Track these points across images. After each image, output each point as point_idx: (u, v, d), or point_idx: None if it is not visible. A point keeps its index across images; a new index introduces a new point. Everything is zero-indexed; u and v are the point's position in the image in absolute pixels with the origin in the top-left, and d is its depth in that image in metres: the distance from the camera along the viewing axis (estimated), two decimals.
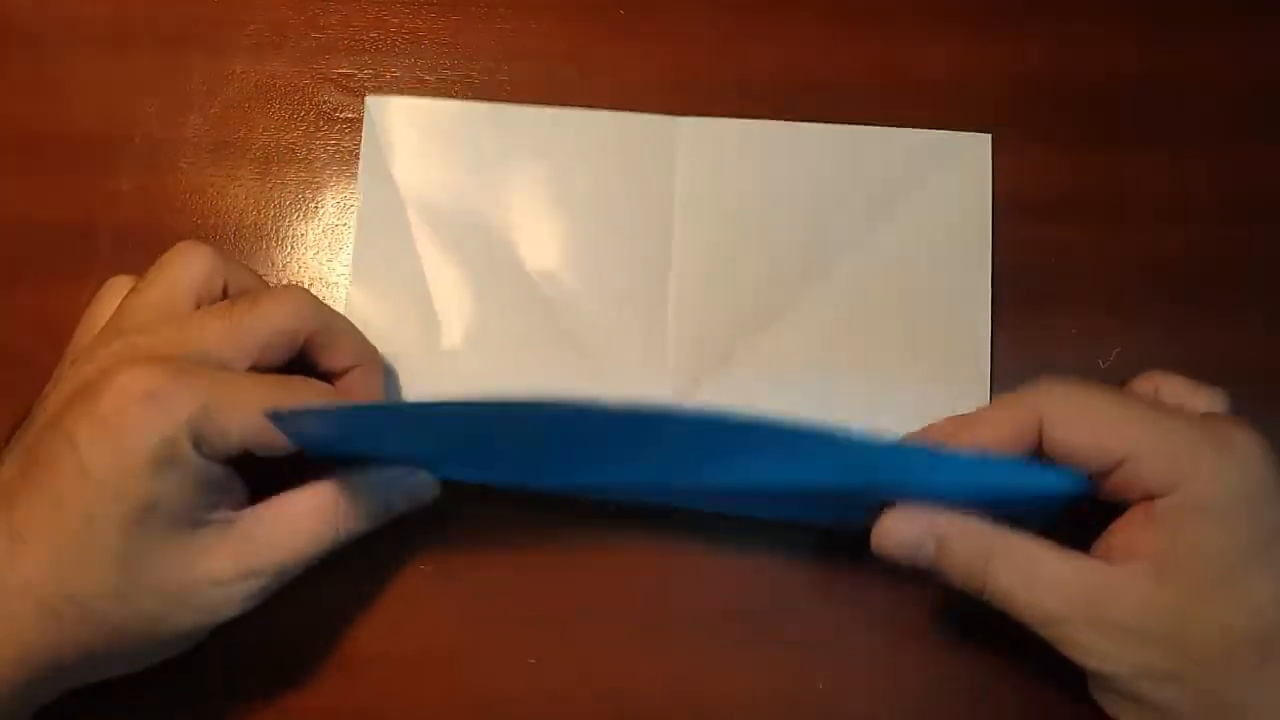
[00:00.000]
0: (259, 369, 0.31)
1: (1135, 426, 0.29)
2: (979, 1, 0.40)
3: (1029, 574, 0.30)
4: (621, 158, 0.38)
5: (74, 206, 0.38)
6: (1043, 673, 0.34)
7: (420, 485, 0.33)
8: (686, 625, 0.35)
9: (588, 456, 0.31)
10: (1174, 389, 0.32)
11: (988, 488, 0.30)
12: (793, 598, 0.36)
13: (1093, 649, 0.29)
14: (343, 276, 0.38)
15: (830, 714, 0.35)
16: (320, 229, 0.39)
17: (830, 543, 0.36)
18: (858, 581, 0.36)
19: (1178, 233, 0.39)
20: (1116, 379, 0.35)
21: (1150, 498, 0.29)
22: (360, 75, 0.40)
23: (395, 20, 0.40)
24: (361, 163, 0.38)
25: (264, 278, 0.36)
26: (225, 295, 0.32)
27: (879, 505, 0.31)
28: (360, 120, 0.39)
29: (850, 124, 0.39)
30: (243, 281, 0.33)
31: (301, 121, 0.39)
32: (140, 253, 0.33)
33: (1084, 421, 0.30)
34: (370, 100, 0.39)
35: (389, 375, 0.36)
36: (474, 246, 0.38)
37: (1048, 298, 0.38)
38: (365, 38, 0.40)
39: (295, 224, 0.39)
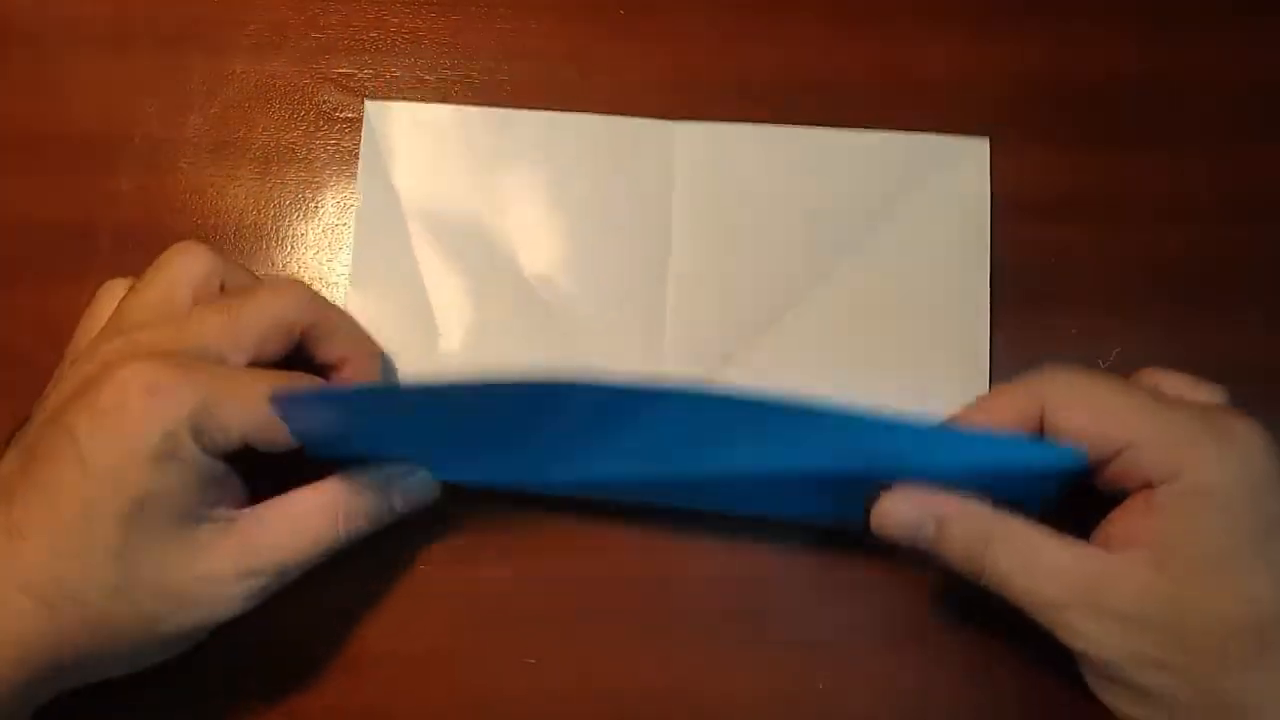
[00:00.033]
0: (258, 364, 0.31)
1: (1137, 414, 0.30)
2: (979, 1, 0.40)
3: (1028, 559, 0.30)
4: (620, 162, 0.38)
5: (74, 206, 0.38)
6: (1043, 673, 0.34)
7: (421, 484, 0.33)
8: (686, 625, 0.35)
9: (587, 436, 0.31)
10: (1174, 384, 0.32)
11: (988, 465, 0.30)
12: (793, 598, 0.36)
13: (1090, 635, 0.29)
14: (342, 276, 0.38)
15: (830, 714, 0.35)
16: (320, 229, 0.39)
17: (830, 543, 0.36)
18: (858, 581, 0.36)
19: (1178, 233, 0.39)
20: None
21: (1150, 486, 0.29)
22: (360, 75, 0.40)
23: (395, 20, 0.40)
24: (360, 167, 0.38)
25: (264, 277, 0.36)
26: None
27: (878, 492, 0.31)
28: (360, 120, 0.39)
29: (850, 124, 0.39)
30: (239, 280, 0.33)
31: (301, 121, 0.39)
32: (140, 253, 0.33)
33: (1086, 408, 0.30)
34: (369, 105, 0.39)
35: (387, 377, 0.36)
36: (473, 251, 0.38)
37: (1048, 298, 0.38)
38: (365, 38, 0.40)
39: (295, 224, 0.39)
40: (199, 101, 0.39)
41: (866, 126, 0.39)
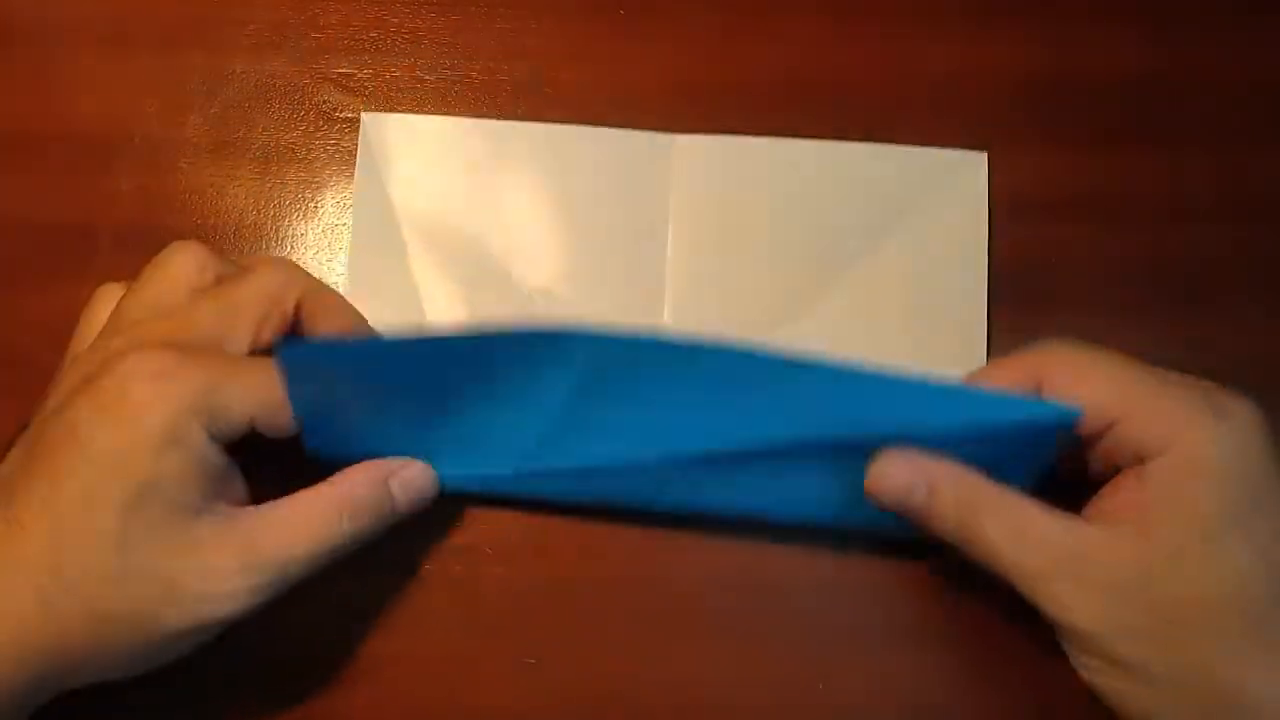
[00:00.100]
0: (258, 350, 0.31)
1: (1135, 386, 0.30)
2: (979, 1, 0.40)
3: (1017, 530, 0.30)
4: (617, 175, 0.38)
5: (74, 206, 0.38)
6: (1043, 673, 0.34)
7: (421, 476, 0.33)
8: (686, 625, 0.35)
9: (586, 400, 0.32)
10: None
11: (985, 421, 0.30)
12: (793, 598, 0.36)
13: (1073, 605, 0.29)
14: (342, 276, 0.38)
15: (830, 714, 0.35)
16: (320, 228, 0.39)
17: (830, 543, 0.36)
18: (858, 581, 0.36)
19: (1178, 233, 0.39)
20: None
21: (1142, 461, 0.29)
22: (360, 75, 0.40)
23: (395, 20, 0.40)
24: (356, 178, 0.38)
25: (251, 258, 0.36)
26: None
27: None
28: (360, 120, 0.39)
29: (850, 124, 0.39)
30: (232, 273, 0.33)
31: (301, 121, 0.39)
32: (140, 253, 0.33)
33: (1084, 378, 0.30)
34: (366, 117, 0.39)
35: None
36: (468, 263, 0.38)
37: (1048, 298, 0.38)
38: (365, 38, 0.40)
39: (295, 224, 0.39)
40: (199, 101, 0.39)
41: (866, 126, 0.39)
